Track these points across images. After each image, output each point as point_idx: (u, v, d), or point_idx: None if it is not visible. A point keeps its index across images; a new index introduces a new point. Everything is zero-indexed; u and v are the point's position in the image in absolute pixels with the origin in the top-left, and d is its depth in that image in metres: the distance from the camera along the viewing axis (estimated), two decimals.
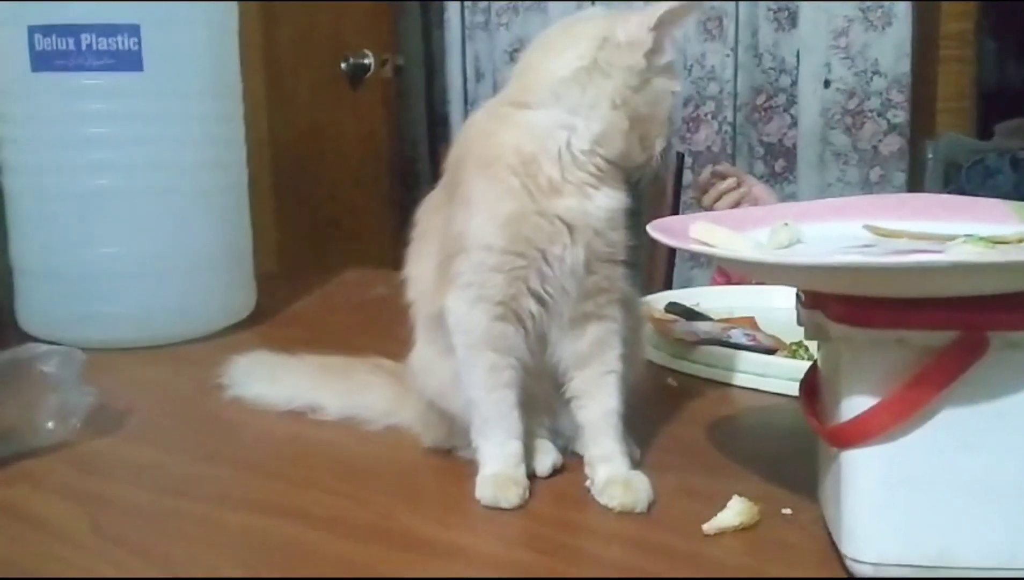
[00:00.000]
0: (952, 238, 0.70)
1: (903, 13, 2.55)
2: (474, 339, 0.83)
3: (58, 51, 1.25)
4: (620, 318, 0.85)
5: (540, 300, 0.82)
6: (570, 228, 0.80)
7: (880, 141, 2.62)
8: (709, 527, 0.74)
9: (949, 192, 1.61)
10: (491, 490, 0.80)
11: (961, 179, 1.63)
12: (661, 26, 0.80)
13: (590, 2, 2.82)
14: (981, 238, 0.69)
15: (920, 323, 0.64)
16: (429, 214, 0.89)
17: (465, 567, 0.71)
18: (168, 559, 0.73)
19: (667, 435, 0.96)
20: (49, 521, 0.80)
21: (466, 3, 2.99)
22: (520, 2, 2.93)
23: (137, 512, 0.82)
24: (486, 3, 2.97)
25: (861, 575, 0.67)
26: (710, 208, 1.69)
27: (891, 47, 2.57)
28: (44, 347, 0.98)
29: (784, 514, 0.77)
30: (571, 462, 0.87)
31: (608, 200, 0.82)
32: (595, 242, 0.81)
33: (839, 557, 0.68)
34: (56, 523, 0.80)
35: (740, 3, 2.67)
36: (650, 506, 0.79)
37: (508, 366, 0.83)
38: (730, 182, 1.74)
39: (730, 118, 2.72)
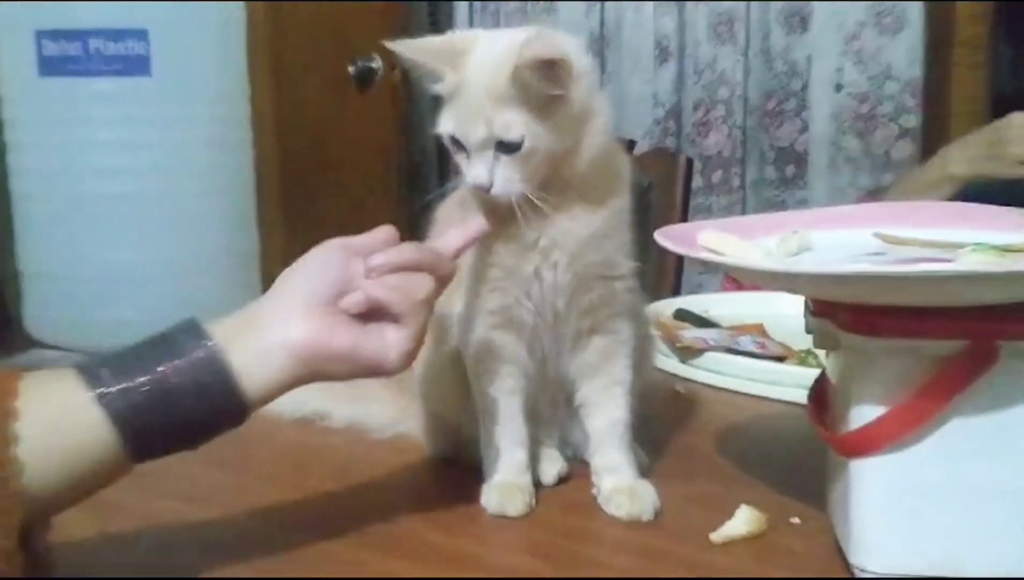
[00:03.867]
0: (962, 246, 0.70)
1: (916, 17, 2.54)
2: (477, 347, 0.83)
3: (66, 56, 1.26)
4: (626, 330, 0.85)
5: (534, 313, 0.82)
6: (539, 250, 0.79)
7: (892, 146, 2.61)
8: (717, 536, 0.74)
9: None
10: (497, 498, 0.80)
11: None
12: None
13: (599, 3, 2.82)
14: (991, 247, 0.68)
15: (930, 332, 0.64)
16: (448, 211, 0.89)
17: (471, 574, 0.71)
18: (174, 565, 0.73)
19: (675, 443, 0.96)
20: (55, 527, 0.80)
21: (475, 5, 3.00)
22: (529, 1, 2.93)
23: (143, 518, 0.82)
24: (495, 5, 2.97)
25: None
26: None
27: (904, 51, 2.56)
28: (51, 353, 0.99)
29: (792, 523, 0.77)
30: (578, 470, 0.86)
31: (576, 223, 0.79)
32: (576, 264, 0.80)
33: (847, 566, 0.68)
34: (62, 529, 0.80)
35: (751, 6, 2.67)
36: (657, 514, 0.79)
37: (511, 375, 0.83)
38: None
39: (740, 122, 2.71)
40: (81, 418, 0.63)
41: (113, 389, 0.64)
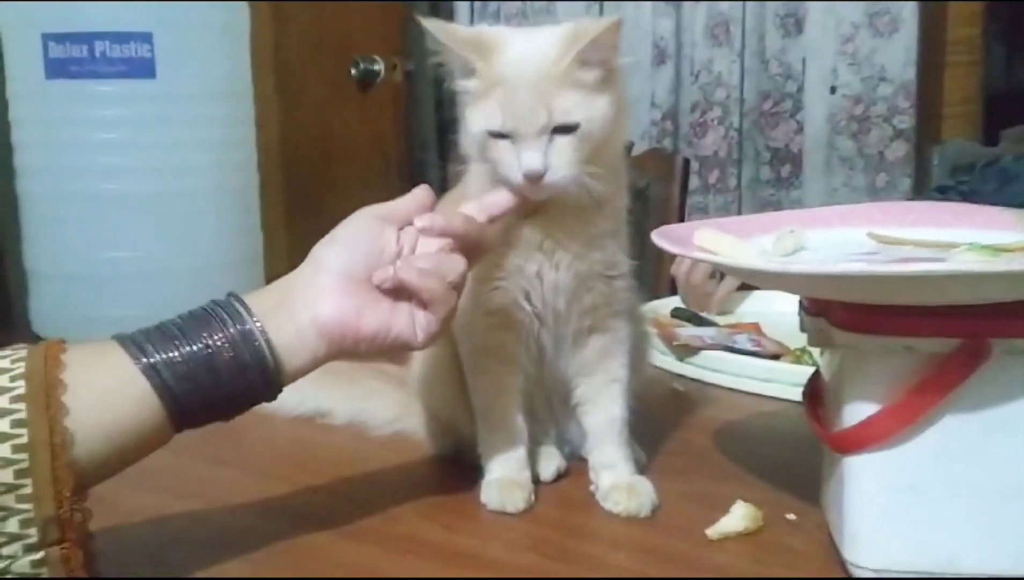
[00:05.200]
0: (955, 246, 0.71)
1: (910, 19, 2.55)
2: (475, 346, 0.84)
3: (72, 58, 1.26)
4: (624, 328, 0.85)
5: (532, 313, 0.82)
6: (543, 250, 0.80)
7: (886, 147, 2.61)
8: (713, 532, 0.75)
9: (961, 190, 1.59)
10: (496, 494, 0.80)
11: (975, 177, 1.60)
12: None
13: (598, 4, 2.83)
14: (984, 246, 0.69)
15: (923, 330, 0.64)
16: (445, 209, 0.89)
17: (471, 571, 0.72)
18: (173, 561, 0.74)
19: (672, 440, 0.97)
20: None
21: (475, 7, 3.00)
22: (529, 2, 2.93)
23: (142, 515, 0.82)
24: (495, 6, 2.97)
25: None
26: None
27: (898, 53, 2.57)
28: None
29: (788, 519, 0.77)
30: (576, 467, 0.87)
31: (580, 222, 0.80)
32: (578, 264, 0.81)
33: (843, 563, 0.69)
34: None
35: (747, 9, 2.67)
36: (654, 511, 0.79)
37: (510, 373, 0.83)
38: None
39: (736, 124, 2.72)
40: (128, 390, 0.65)
41: (159, 361, 0.65)
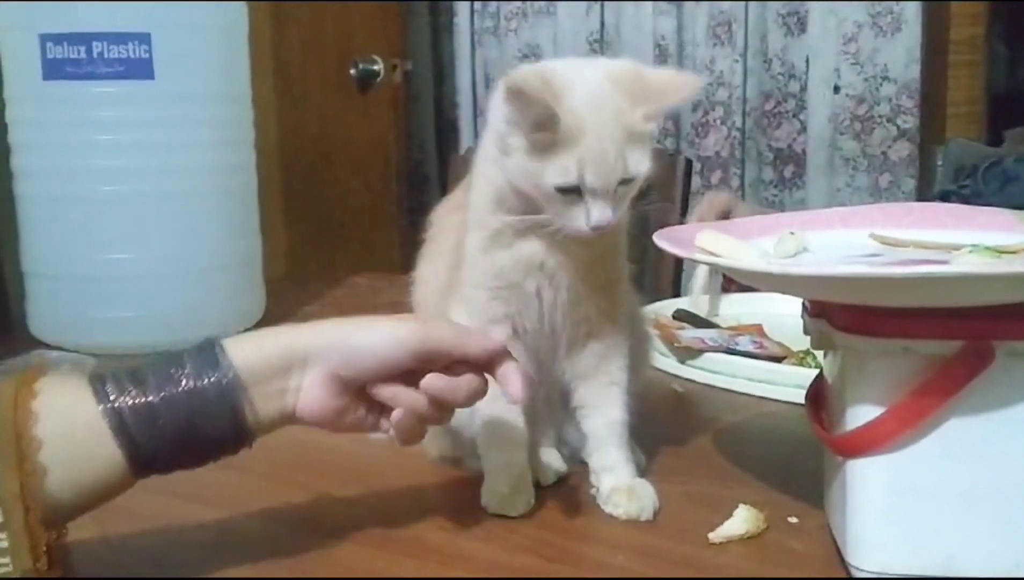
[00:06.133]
0: (958, 248, 0.70)
1: (913, 18, 2.55)
2: None
3: (69, 59, 1.26)
4: (623, 332, 0.85)
5: (532, 321, 0.82)
6: (545, 272, 0.80)
7: (889, 147, 2.61)
8: (715, 535, 0.74)
9: (963, 193, 1.58)
10: (497, 498, 0.80)
11: (977, 180, 1.60)
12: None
13: (599, 4, 2.83)
14: (987, 248, 0.69)
15: (925, 333, 0.64)
16: (445, 214, 0.89)
17: (471, 573, 0.72)
18: (177, 565, 0.74)
19: (673, 442, 0.96)
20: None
21: (475, 7, 3.00)
22: (529, 2, 2.93)
23: (146, 518, 0.82)
24: (495, 6, 2.97)
25: None
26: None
27: (901, 52, 2.57)
28: (54, 353, 0.99)
29: (790, 522, 0.77)
30: (577, 470, 0.87)
31: (581, 246, 0.79)
32: (578, 283, 0.80)
33: (845, 566, 0.68)
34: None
35: (749, 8, 2.67)
36: (656, 514, 0.79)
37: None
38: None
39: (739, 124, 2.72)
40: (91, 429, 0.64)
41: (120, 405, 0.64)
